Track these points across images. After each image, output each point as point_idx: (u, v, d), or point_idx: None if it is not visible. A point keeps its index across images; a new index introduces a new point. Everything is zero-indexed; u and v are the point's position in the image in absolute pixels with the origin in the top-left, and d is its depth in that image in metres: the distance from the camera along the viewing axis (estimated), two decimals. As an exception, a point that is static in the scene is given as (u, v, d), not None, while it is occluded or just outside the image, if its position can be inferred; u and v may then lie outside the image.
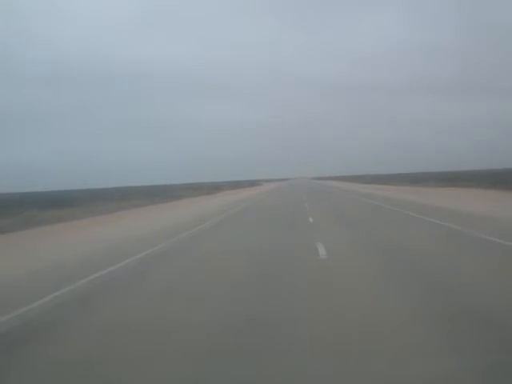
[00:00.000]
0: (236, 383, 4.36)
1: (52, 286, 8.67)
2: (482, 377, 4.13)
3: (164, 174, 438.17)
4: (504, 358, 4.46)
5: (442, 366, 4.35)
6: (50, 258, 12.55)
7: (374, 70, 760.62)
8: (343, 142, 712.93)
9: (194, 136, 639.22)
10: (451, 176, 73.81)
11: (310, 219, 20.44)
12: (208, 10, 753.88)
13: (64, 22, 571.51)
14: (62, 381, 4.60)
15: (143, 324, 6.24)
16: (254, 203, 39.48)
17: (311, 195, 48.55)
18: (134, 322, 6.35)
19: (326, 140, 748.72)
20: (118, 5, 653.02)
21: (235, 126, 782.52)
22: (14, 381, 4.62)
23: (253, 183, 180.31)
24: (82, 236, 18.18)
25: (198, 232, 17.72)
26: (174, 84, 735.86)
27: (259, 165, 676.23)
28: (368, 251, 11.56)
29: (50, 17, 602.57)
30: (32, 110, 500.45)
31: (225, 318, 6.23)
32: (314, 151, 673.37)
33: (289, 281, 8.56)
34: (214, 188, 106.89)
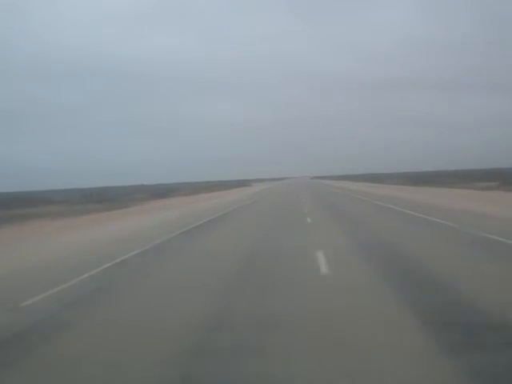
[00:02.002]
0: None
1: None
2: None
3: (158, 173, 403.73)
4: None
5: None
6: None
7: (380, 67, 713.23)
8: (346, 140, 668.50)
9: (194, 134, 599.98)
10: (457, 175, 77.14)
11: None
12: (210, 3, 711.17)
13: (63, 17, 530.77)
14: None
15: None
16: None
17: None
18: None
19: (327, 138, 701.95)
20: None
21: (235, 124, 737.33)
22: None
23: (241, 183, 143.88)
24: None
25: None
26: (175, 81, 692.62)
27: (259, 164, 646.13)
28: None
29: (49, 10, 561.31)
30: (29, 106, 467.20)
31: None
32: (315, 150, 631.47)
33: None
34: (161, 194, 70.56)
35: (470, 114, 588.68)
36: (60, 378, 4.94)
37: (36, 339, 6.15)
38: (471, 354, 4.79)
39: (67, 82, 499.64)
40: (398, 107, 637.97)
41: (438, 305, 6.66)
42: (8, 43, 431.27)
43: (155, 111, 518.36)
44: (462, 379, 4.29)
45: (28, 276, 10.52)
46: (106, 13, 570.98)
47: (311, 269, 9.51)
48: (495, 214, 19.02)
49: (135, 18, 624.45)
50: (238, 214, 26.97)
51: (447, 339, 5.23)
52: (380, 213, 23.57)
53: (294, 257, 11.17)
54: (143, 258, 12.35)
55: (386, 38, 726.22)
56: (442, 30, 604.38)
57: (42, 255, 13.55)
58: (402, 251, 11.44)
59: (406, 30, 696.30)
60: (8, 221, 25.71)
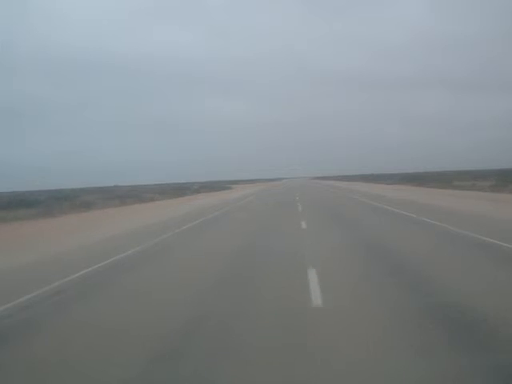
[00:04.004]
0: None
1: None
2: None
3: (155, 173, 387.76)
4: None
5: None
6: None
7: (384, 65, 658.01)
8: (348, 140, 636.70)
9: (193, 133, 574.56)
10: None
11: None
12: (210, 1, 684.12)
13: (62, 14, 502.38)
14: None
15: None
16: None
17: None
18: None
19: (329, 138, 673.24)
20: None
21: (235, 123, 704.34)
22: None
23: (222, 187, 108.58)
24: None
25: None
26: (175, 78, 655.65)
27: (259, 164, 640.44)
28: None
29: (48, 7, 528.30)
30: (28, 104, 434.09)
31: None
32: (316, 150, 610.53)
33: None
34: None
35: (481, 113, 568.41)
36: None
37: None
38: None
39: (65, 80, 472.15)
40: (406, 106, 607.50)
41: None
42: (6, 41, 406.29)
43: (154, 110, 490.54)
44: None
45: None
46: (105, 10, 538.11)
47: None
48: None
49: (135, 15, 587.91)
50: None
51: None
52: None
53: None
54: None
55: (389, 37, 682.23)
56: (452, 28, 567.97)
57: None
58: None
59: (412, 28, 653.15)
60: None
